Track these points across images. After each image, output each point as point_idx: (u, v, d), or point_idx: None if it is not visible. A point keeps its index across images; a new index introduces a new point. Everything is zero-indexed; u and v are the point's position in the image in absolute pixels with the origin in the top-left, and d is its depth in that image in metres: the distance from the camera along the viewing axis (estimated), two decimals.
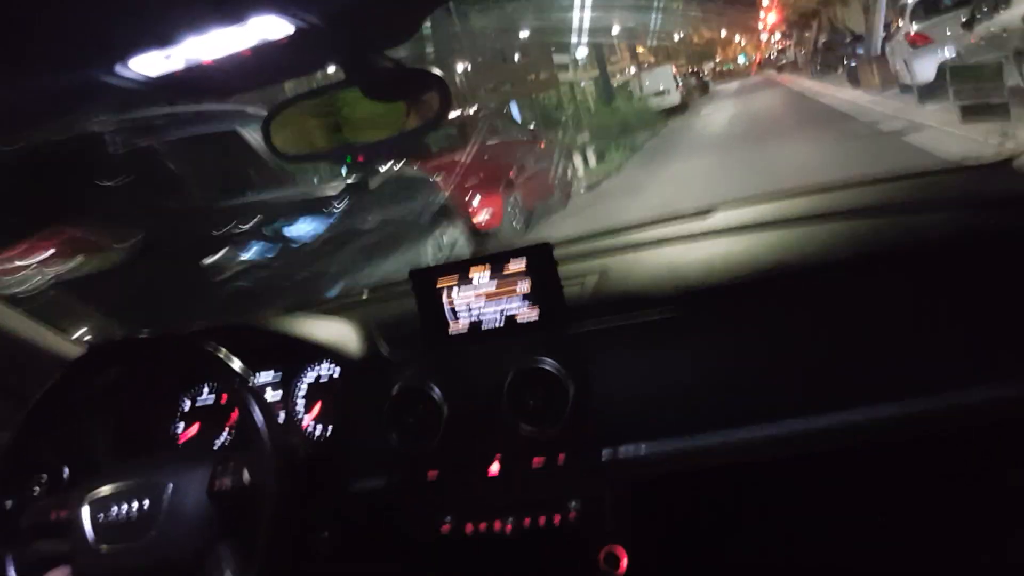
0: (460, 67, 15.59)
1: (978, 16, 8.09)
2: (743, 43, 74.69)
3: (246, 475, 1.12)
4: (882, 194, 1.58)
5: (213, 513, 1.11)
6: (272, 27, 0.78)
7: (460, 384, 1.28)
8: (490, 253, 1.30)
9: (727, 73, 65.29)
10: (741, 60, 72.25)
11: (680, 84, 27.04)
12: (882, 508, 1.30)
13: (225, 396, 1.49)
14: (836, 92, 15.77)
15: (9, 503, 1.16)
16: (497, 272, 1.30)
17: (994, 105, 6.39)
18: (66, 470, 1.37)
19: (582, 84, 24.39)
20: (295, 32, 0.79)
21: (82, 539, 1.09)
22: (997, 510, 1.26)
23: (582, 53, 23.42)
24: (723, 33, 66.27)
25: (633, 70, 32.38)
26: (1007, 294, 1.10)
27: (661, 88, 26.13)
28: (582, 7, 20.42)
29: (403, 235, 4.78)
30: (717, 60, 70.33)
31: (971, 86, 6.80)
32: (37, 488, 1.20)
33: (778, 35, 54.04)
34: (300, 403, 1.47)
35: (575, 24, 20.93)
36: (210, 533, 1.10)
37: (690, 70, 41.90)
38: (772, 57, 48.07)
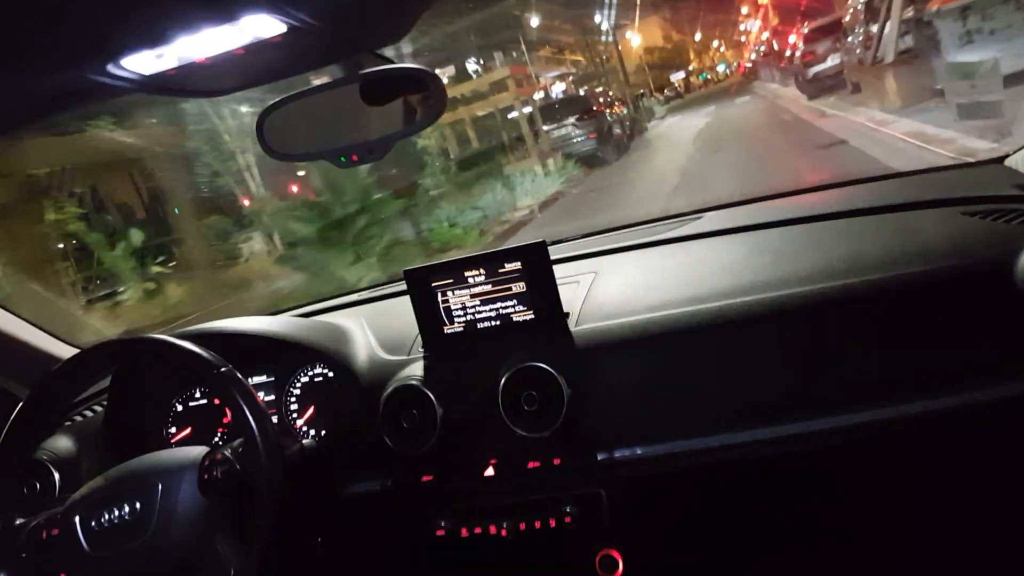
0: None
1: None
2: (722, 47, 58.43)
3: (235, 461, 1.11)
4: (875, 194, 1.58)
5: (207, 506, 1.10)
6: (265, 26, 0.78)
7: (455, 386, 1.27)
8: (484, 252, 1.29)
9: (696, 88, 47.39)
10: (721, 68, 54.95)
11: None
12: (878, 510, 1.30)
13: (217, 399, 1.48)
14: None
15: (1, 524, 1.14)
16: (492, 272, 1.29)
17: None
18: (57, 475, 1.36)
19: None
20: (288, 31, 0.79)
21: (77, 550, 1.07)
22: (983, 510, 1.26)
23: None
24: (698, 36, 54.34)
25: None
26: (1002, 292, 1.10)
27: None
28: None
29: None
30: (691, 68, 54.85)
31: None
32: (27, 491, 1.18)
33: (762, 32, 32.75)
34: (293, 406, 1.46)
35: None
36: (206, 526, 1.09)
37: (606, 96, 17.66)
38: (791, 56, 16.25)
